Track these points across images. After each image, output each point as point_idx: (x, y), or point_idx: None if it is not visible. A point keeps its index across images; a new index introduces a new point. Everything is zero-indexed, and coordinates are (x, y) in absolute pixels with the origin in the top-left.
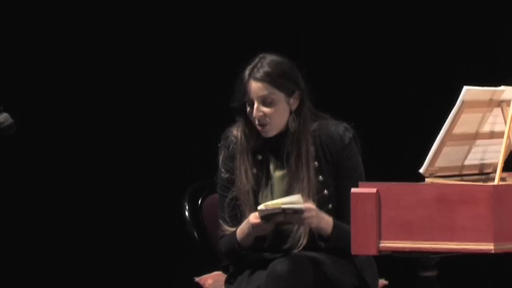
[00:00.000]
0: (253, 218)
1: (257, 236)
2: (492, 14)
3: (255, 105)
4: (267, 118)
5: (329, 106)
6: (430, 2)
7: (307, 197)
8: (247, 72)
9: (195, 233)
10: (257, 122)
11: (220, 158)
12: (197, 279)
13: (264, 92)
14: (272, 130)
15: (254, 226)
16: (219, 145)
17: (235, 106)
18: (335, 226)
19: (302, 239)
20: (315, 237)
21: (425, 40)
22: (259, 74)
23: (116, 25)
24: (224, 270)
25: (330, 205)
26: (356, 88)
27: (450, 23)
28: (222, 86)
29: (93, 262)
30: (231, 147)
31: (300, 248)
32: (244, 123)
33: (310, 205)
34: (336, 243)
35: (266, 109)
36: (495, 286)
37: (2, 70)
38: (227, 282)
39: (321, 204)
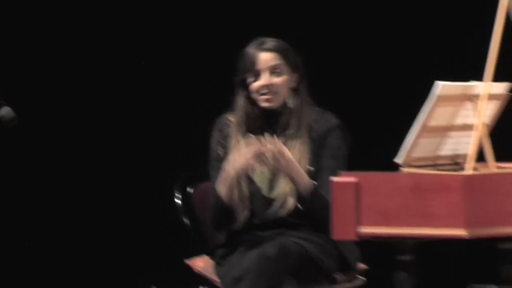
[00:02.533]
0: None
1: (250, 211)
2: (462, 14)
3: (264, 74)
4: (275, 87)
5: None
6: (408, 2)
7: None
8: (253, 47)
9: (186, 219)
10: (263, 91)
11: (214, 139)
12: (187, 261)
13: (273, 62)
14: (276, 100)
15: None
16: (212, 130)
17: (238, 81)
18: (314, 190)
19: (286, 205)
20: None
21: (401, 38)
22: (268, 45)
23: (105, 18)
24: (211, 255)
25: (314, 182)
26: (337, 83)
27: (425, 23)
28: (213, 78)
29: (89, 245)
30: (224, 129)
31: (285, 213)
32: (244, 100)
33: (290, 155)
34: (313, 206)
35: (274, 79)
36: (469, 270)
37: (3, 66)
38: (217, 263)
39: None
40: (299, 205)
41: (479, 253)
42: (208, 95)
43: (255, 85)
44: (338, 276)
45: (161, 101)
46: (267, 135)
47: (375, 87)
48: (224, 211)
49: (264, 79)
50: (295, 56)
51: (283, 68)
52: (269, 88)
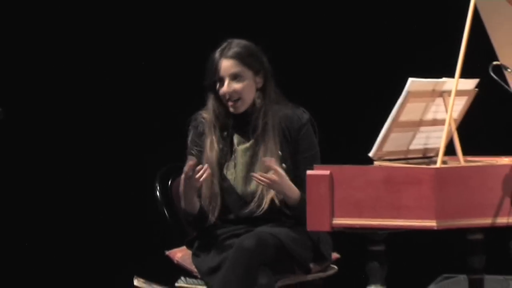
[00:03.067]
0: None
1: (224, 208)
2: (434, 15)
3: (226, 82)
4: (237, 94)
5: (284, 94)
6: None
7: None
8: (217, 53)
9: (165, 211)
10: (227, 97)
11: (190, 137)
12: (167, 252)
13: (234, 69)
14: (242, 106)
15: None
16: (188, 127)
17: (206, 85)
18: (302, 199)
19: (263, 204)
20: (275, 204)
21: (375, 35)
22: (229, 53)
23: (90, 12)
24: (188, 246)
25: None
26: (310, 79)
27: (399, 22)
28: (191, 74)
29: (72, 238)
30: (199, 126)
31: (261, 212)
32: (214, 102)
33: (281, 171)
34: (300, 213)
35: (236, 85)
36: (440, 260)
37: None
38: (194, 254)
39: None
40: (287, 211)
41: (449, 244)
42: (187, 92)
43: (220, 92)
44: (313, 266)
45: (145, 105)
46: (267, 159)
47: (350, 84)
48: (190, 222)
49: (226, 86)
50: (258, 58)
51: (244, 73)
52: (231, 95)
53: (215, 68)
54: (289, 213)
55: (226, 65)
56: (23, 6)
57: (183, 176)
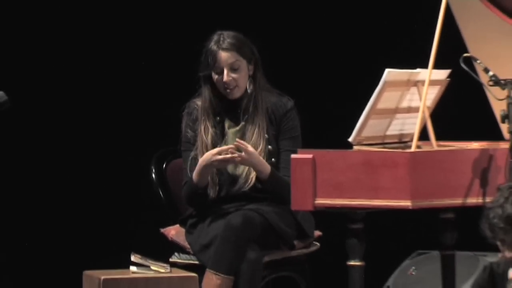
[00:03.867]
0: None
1: (217, 184)
2: (410, 11)
3: (225, 72)
4: (235, 82)
5: (270, 82)
6: None
7: (258, 147)
8: (214, 46)
9: (160, 192)
10: (226, 86)
11: (184, 122)
12: (162, 230)
13: (232, 60)
14: (238, 92)
15: (204, 160)
16: (182, 113)
17: (203, 75)
18: (271, 174)
19: (249, 181)
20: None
21: (356, 28)
22: (226, 45)
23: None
24: (181, 224)
25: (273, 159)
26: (295, 70)
27: (376, 17)
28: (184, 64)
29: (74, 215)
30: (193, 113)
31: (248, 187)
32: (209, 90)
33: (251, 149)
34: (271, 187)
35: (234, 74)
36: (415, 237)
37: None
38: (187, 232)
39: (267, 157)
40: (259, 185)
41: (423, 222)
42: (181, 79)
43: (219, 81)
44: (297, 243)
45: (142, 93)
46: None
47: (331, 75)
48: (198, 195)
49: (226, 76)
50: (250, 47)
51: (240, 63)
52: (231, 83)
53: (214, 60)
54: (261, 187)
55: (225, 56)
56: (22, 6)
57: (211, 153)
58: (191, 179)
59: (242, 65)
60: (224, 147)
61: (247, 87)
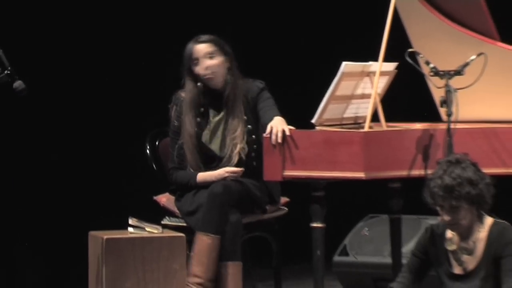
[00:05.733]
0: (226, 171)
1: (205, 165)
2: (363, 10)
3: (203, 61)
4: (212, 68)
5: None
6: None
7: (238, 128)
8: (191, 42)
9: (154, 165)
10: (203, 74)
11: (172, 112)
12: (155, 197)
13: (208, 49)
14: (217, 78)
15: (218, 175)
16: (169, 105)
17: (184, 69)
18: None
19: (233, 158)
20: (242, 158)
21: (319, 26)
22: (201, 39)
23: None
24: (171, 193)
25: (253, 136)
26: (266, 61)
27: (334, 16)
28: (177, 54)
29: (76, 181)
30: (179, 104)
31: (233, 164)
32: (191, 83)
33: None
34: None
35: (210, 61)
36: (366, 203)
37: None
38: (176, 200)
39: (248, 135)
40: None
41: (374, 190)
42: (173, 67)
43: (199, 71)
44: (268, 208)
45: (138, 78)
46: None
47: (296, 66)
48: (190, 186)
49: (203, 63)
50: (225, 44)
51: (217, 53)
52: (208, 69)
53: (191, 52)
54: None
55: (201, 47)
56: (22, 7)
57: (224, 170)
58: (192, 173)
59: (219, 54)
60: (237, 169)
61: (226, 79)
